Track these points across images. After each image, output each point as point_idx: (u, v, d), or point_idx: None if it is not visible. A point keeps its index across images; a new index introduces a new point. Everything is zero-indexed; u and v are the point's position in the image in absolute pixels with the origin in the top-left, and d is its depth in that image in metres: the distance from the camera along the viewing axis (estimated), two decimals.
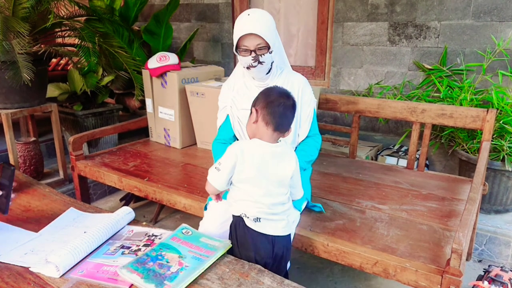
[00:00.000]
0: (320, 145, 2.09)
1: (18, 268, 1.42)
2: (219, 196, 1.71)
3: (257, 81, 1.97)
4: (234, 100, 2.03)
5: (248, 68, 1.89)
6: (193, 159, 2.81)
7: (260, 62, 1.85)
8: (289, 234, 1.66)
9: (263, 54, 1.84)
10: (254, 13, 1.83)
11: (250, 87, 2.00)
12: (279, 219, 1.60)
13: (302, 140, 2.04)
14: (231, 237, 1.65)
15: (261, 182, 1.56)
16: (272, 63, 1.91)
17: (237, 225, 1.61)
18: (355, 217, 1.97)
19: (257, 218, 1.56)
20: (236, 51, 1.87)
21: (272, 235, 1.57)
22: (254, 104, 1.63)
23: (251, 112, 1.64)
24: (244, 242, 1.59)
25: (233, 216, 1.64)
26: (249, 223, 1.57)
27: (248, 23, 1.79)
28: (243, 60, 1.87)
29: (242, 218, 1.58)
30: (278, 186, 1.60)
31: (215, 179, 1.60)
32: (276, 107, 1.56)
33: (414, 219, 1.94)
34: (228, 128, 2.06)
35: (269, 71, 1.93)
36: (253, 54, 1.83)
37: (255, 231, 1.57)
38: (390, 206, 2.08)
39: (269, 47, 1.84)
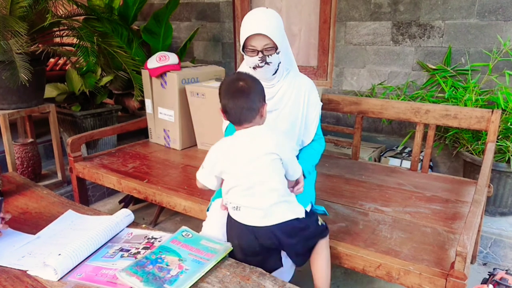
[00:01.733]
0: (324, 149, 2.10)
1: (16, 271, 1.42)
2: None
3: (262, 82, 1.96)
4: None
5: (254, 68, 1.88)
6: (194, 160, 2.82)
7: (267, 63, 1.84)
8: (275, 225, 1.55)
9: (271, 55, 1.82)
10: (262, 12, 1.82)
11: None
12: (258, 208, 1.55)
13: (308, 144, 2.04)
14: None
15: (236, 165, 1.57)
16: (279, 64, 1.90)
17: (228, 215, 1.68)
18: (358, 219, 1.98)
19: (237, 206, 1.58)
20: (243, 51, 1.87)
21: (251, 226, 1.56)
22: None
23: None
24: (230, 231, 1.65)
25: None
26: (231, 211, 1.62)
27: (256, 23, 1.78)
28: (249, 60, 1.86)
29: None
30: (256, 167, 1.55)
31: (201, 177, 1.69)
32: (230, 106, 1.59)
33: (417, 222, 1.94)
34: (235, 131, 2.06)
35: (276, 72, 1.92)
36: (260, 55, 1.82)
37: (236, 220, 1.60)
38: (393, 208, 2.08)
39: (276, 48, 1.83)
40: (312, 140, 2.04)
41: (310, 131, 2.02)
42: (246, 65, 1.95)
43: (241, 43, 1.85)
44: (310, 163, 1.95)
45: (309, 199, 1.94)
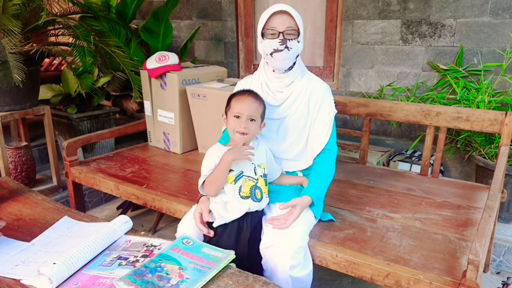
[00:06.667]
0: (335, 160, 2.00)
1: (9, 280, 1.43)
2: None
3: (277, 83, 1.95)
4: None
5: (271, 54, 1.88)
6: (194, 164, 2.82)
7: (287, 47, 1.84)
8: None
9: (292, 39, 1.84)
10: (284, 3, 1.88)
11: (267, 93, 1.98)
12: None
13: (317, 155, 1.99)
14: None
15: None
16: (297, 57, 1.91)
17: None
18: (366, 226, 1.98)
19: None
20: (262, 37, 1.89)
21: None
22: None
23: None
24: None
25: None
26: None
27: (280, 4, 1.84)
28: (268, 45, 1.87)
29: None
30: None
31: None
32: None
33: (428, 229, 1.94)
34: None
35: (292, 66, 1.92)
36: (281, 37, 1.84)
37: None
38: (402, 215, 2.08)
39: (298, 34, 1.85)
40: (322, 151, 1.97)
41: (320, 141, 1.98)
42: (263, 53, 1.94)
43: (260, 28, 1.87)
44: (321, 189, 1.90)
45: (319, 210, 1.94)
